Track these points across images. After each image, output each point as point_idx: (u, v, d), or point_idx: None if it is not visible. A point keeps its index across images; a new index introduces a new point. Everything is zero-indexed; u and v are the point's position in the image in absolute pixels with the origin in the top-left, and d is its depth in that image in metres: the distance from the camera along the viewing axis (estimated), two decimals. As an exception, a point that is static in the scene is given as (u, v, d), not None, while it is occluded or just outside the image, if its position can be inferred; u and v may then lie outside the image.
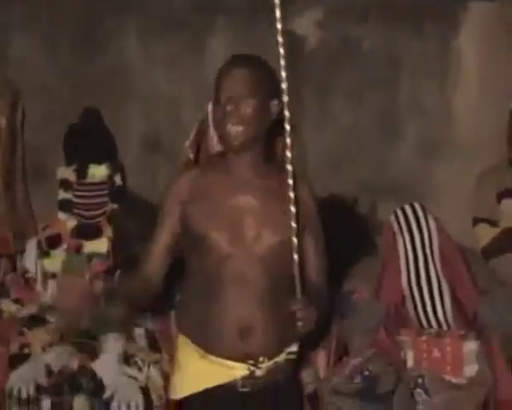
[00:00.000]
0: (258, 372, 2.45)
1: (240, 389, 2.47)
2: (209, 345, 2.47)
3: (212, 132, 3.40)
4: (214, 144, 3.37)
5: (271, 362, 2.47)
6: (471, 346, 3.43)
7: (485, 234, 3.91)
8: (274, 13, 4.08)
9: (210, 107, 3.39)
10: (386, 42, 4.44)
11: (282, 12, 4.23)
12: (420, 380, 3.36)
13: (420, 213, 3.70)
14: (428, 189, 4.33)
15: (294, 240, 2.39)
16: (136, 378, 3.55)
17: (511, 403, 3.41)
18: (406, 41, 4.43)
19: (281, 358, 2.50)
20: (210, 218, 2.46)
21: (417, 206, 3.72)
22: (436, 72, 4.46)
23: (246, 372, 2.45)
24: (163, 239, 2.57)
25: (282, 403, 2.53)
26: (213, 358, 2.46)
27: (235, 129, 2.42)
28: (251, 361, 2.44)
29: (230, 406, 2.49)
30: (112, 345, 3.61)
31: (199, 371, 2.48)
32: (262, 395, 2.48)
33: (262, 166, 2.53)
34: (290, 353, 2.54)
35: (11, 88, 4.09)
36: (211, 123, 3.32)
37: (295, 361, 2.58)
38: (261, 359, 2.44)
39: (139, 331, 3.72)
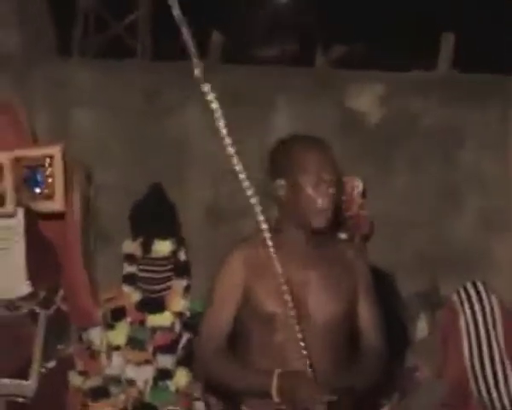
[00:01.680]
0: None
1: None
2: None
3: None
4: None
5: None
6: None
7: None
8: (335, 90, 4.19)
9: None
10: (447, 116, 4.47)
11: (344, 89, 4.36)
12: None
13: (482, 292, 3.66)
14: (489, 262, 4.32)
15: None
16: (196, 452, 3.60)
17: None
18: (466, 114, 4.47)
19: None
20: (275, 296, 2.51)
21: (479, 284, 3.69)
22: (496, 144, 4.48)
23: None
24: (229, 312, 2.61)
25: None
26: None
27: (328, 212, 2.51)
28: None
29: None
30: (173, 418, 3.66)
31: None
32: None
33: (320, 239, 2.60)
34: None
35: (83, 162, 4.20)
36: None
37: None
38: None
39: (199, 405, 3.75)
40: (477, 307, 3.63)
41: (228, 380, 2.59)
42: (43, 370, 3.81)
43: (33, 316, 3.88)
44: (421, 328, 3.93)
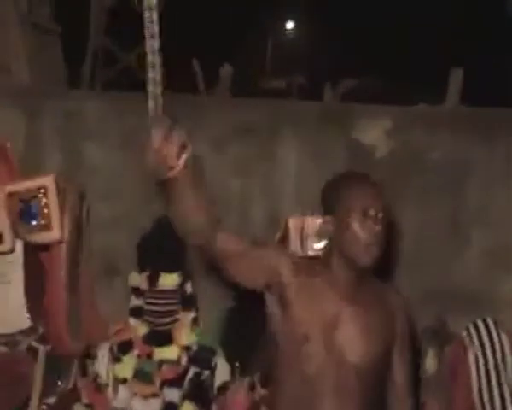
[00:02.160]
0: None
1: None
2: None
3: (294, 246, 3.54)
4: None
5: None
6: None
7: None
8: (343, 124, 4.21)
9: (291, 222, 3.54)
10: (455, 151, 4.47)
11: (352, 123, 4.37)
12: None
13: (492, 328, 3.68)
14: (496, 299, 4.28)
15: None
16: None
17: None
18: (474, 150, 4.46)
19: None
20: (313, 322, 2.53)
21: (489, 320, 3.70)
22: (503, 180, 4.48)
23: None
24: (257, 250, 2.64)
25: None
26: None
27: (375, 249, 2.51)
28: None
29: None
30: (179, 452, 3.65)
31: None
32: None
33: (363, 279, 2.62)
34: None
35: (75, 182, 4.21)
36: (292, 237, 3.45)
37: None
38: None
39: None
40: (487, 343, 3.64)
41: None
42: (44, 407, 3.83)
43: (32, 352, 3.90)
44: (430, 364, 3.92)
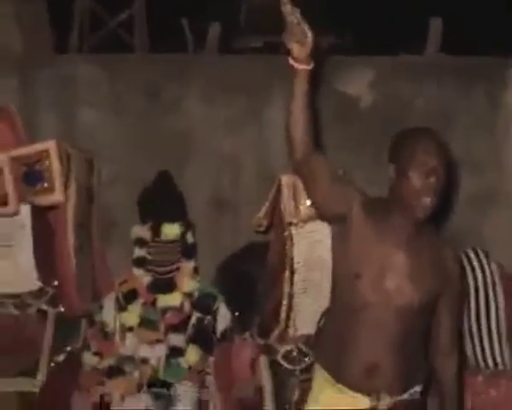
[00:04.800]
0: (380, 406, 2.71)
1: None
2: (340, 376, 2.74)
3: (287, 203, 3.72)
4: (287, 215, 3.69)
5: (393, 399, 2.72)
6: (527, 385, 3.57)
7: None
8: (326, 76, 4.31)
9: (284, 180, 3.72)
10: (437, 97, 4.61)
11: (337, 74, 4.47)
12: (478, 420, 3.50)
13: (482, 257, 3.83)
14: (480, 239, 4.43)
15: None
16: (212, 422, 3.79)
17: None
18: (457, 96, 4.60)
19: (404, 397, 2.74)
20: (367, 262, 2.71)
21: (480, 250, 3.86)
22: (485, 125, 4.62)
23: (368, 405, 2.71)
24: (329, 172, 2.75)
25: None
26: (342, 387, 2.73)
27: (429, 201, 2.66)
28: (374, 396, 2.69)
29: None
30: (186, 393, 3.84)
31: (328, 396, 2.77)
32: None
33: (418, 229, 2.75)
34: (413, 393, 2.78)
35: (83, 150, 4.35)
36: (285, 195, 3.62)
37: (419, 401, 2.82)
38: (382, 395, 2.70)
39: (210, 379, 3.94)
40: (477, 269, 3.78)
41: None
42: (52, 364, 3.99)
43: (42, 315, 4.06)
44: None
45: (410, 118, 4.53)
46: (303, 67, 2.65)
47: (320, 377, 2.82)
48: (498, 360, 3.69)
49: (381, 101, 4.63)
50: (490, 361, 3.69)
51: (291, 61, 2.65)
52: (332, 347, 2.80)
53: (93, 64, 4.76)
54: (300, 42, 2.58)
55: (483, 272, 3.79)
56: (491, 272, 3.80)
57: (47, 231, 4.15)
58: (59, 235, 4.14)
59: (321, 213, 2.95)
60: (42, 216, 4.13)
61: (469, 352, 3.72)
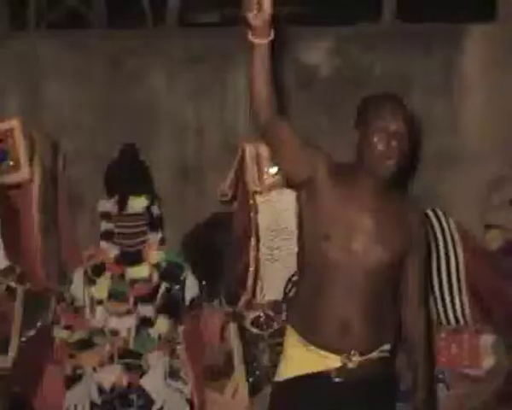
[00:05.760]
0: (350, 365, 2.77)
1: (334, 379, 2.79)
2: (311, 337, 2.80)
3: (251, 172, 3.78)
4: (251, 184, 3.75)
5: (363, 357, 2.78)
6: (488, 339, 3.67)
7: (498, 237, 4.05)
8: (286, 46, 4.35)
9: (247, 149, 3.77)
10: (395, 64, 4.68)
11: (297, 44, 4.53)
12: (441, 375, 3.60)
13: (441, 216, 3.93)
14: (440, 197, 4.53)
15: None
16: (182, 391, 3.85)
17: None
18: (414, 62, 4.69)
19: (373, 355, 2.81)
20: (335, 224, 2.77)
21: (438, 210, 3.96)
22: (443, 88, 4.71)
23: (339, 364, 2.77)
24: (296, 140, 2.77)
25: (374, 396, 2.84)
26: (313, 348, 2.79)
27: (391, 163, 2.73)
28: (345, 354, 2.76)
29: (325, 393, 2.81)
30: (157, 362, 3.89)
31: (300, 358, 2.83)
32: (354, 387, 2.79)
33: (384, 191, 2.82)
34: (383, 351, 2.85)
35: (47, 133, 4.36)
36: (249, 164, 3.68)
37: (388, 358, 2.89)
38: (352, 353, 2.76)
39: (180, 347, 3.99)
40: (437, 228, 3.88)
41: None
42: (23, 339, 4.01)
43: (11, 292, 4.06)
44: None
45: (370, 84, 4.59)
46: (260, 42, 2.67)
47: (292, 338, 2.89)
48: (460, 316, 3.79)
49: (341, 69, 4.70)
50: (451, 318, 3.80)
51: (249, 37, 2.67)
52: (303, 309, 2.86)
53: (53, 40, 4.78)
54: (256, 9, 2.60)
55: (442, 230, 3.88)
56: (451, 231, 3.90)
57: (13, 211, 4.17)
58: (24, 214, 4.16)
59: (289, 179, 2.99)
60: (7, 196, 4.15)
61: (432, 310, 3.81)
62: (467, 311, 3.80)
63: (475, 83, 4.71)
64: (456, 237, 3.90)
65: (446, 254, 3.87)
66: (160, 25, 4.98)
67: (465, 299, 3.82)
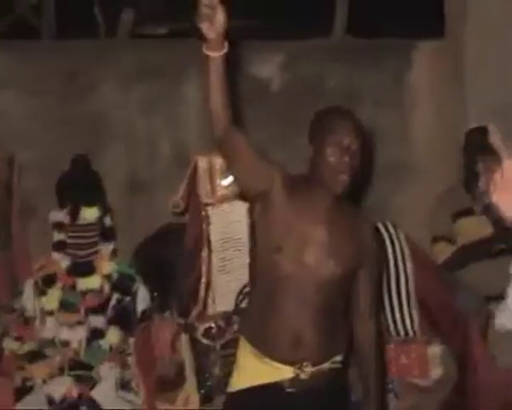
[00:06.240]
0: (303, 376, 2.80)
1: (286, 390, 2.81)
2: (264, 349, 2.82)
3: (203, 184, 3.80)
4: (204, 196, 3.78)
5: (315, 368, 2.81)
6: (435, 350, 3.74)
7: (445, 250, 4.08)
8: (239, 59, 4.38)
9: (199, 162, 3.79)
10: (346, 78, 4.77)
11: (249, 58, 4.57)
12: (390, 385, 3.66)
13: (391, 230, 3.99)
14: (389, 210, 4.63)
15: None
16: (133, 403, 3.85)
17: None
18: (364, 76, 4.78)
19: (325, 366, 2.84)
20: (287, 237, 2.78)
21: (389, 223, 4.02)
22: (393, 102, 4.82)
23: (292, 375, 2.79)
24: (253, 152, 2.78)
25: (326, 406, 2.88)
26: (267, 359, 2.81)
27: (344, 178, 2.75)
28: (297, 366, 2.78)
29: (278, 404, 2.84)
30: (108, 373, 3.89)
31: (253, 369, 2.85)
32: (306, 397, 2.82)
33: (338, 204, 2.85)
34: (334, 362, 2.88)
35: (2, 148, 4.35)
36: (201, 176, 3.70)
37: (339, 369, 2.92)
38: (305, 364, 2.79)
39: (131, 359, 3.97)
40: (387, 242, 3.94)
41: None
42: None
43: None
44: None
45: (321, 98, 4.64)
46: (215, 55, 2.70)
47: (244, 349, 2.90)
48: (408, 327, 3.86)
49: (293, 82, 4.76)
50: (401, 330, 3.87)
51: (204, 50, 2.70)
52: (255, 320, 2.88)
53: (5, 51, 4.72)
54: (210, 21, 2.62)
55: (392, 242, 3.95)
56: (400, 243, 3.97)
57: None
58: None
59: (244, 191, 3.00)
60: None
61: (382, 322, 3.86)
62: (416, 323, 3.87)
63: (424, 96, 4.83)
64: (406, 250, 3.97)
65: (396, 268, 3.94)
66: (112, 36, 4.98)
67: (414, 312, 3.89)
